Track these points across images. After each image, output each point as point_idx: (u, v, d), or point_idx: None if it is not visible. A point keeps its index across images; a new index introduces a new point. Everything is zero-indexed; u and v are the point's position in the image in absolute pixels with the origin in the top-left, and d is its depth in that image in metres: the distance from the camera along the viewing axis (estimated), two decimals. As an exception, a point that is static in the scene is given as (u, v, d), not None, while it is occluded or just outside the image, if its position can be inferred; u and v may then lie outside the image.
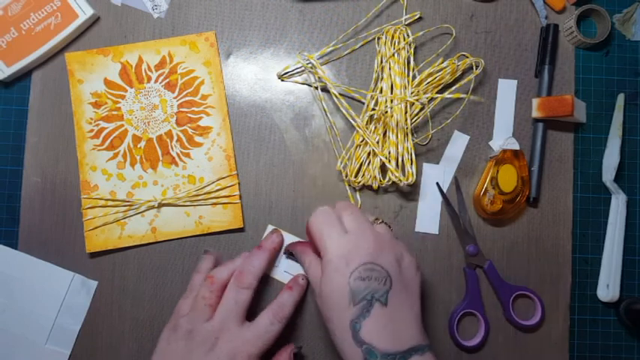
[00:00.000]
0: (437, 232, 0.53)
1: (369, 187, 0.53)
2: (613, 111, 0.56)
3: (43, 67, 0.53)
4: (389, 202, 0.53)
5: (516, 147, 0.52)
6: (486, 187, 0.52)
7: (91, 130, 0.52)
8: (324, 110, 0.54)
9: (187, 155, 0.53)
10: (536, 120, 0.54)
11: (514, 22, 0.56)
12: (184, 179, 0.52)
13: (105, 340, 0.51)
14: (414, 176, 0.50)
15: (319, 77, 0.53)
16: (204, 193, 0.52)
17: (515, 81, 0.55)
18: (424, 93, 0.52)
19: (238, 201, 0.52)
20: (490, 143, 0.54)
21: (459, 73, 0.54)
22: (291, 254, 0.51)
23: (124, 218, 0.52)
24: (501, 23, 0.56)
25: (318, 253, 0.46)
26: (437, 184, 0.54)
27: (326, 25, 0.55)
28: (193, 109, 0.53)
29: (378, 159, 0.51)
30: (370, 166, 0.52)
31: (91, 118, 0.53)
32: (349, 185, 0.53)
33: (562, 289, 0.53)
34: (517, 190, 0.52)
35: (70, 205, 0.52)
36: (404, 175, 0.51)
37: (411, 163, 0.51)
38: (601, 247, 0.54)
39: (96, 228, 0.51)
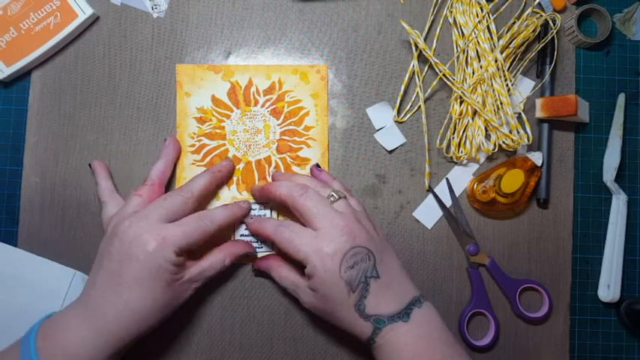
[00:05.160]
0: (436, 232, 0.53)
1: (472, 160, 0.54)
2: (614, 111, 0.55)
3: (43, 66, 0.53)
4: (389, 203, 0.53)
5: (538, 163, 0.52)
6: (488, 180, 0.51)
7: (192, 145, 0.52)
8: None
9: None
10: (541, 120, 0.54)
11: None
12: None
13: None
14: (531, 136, 0.52)
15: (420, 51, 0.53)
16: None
17: (532, 81, 0.55)
18: (510, 57, 0.54)
19: None
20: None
21: (538, 29, 0.53)
22: (259, 272, 0.52)
23: None
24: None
25: (285, 257, 0.48)
26: (446, 179, 0.54)
27: (326, 24, 0.55)
28: (295, 138, 0.53)
29: (479, 129, 0.52)
30: (474, 134, 0.52)
31: (194, 133, 0.52)
32: (452, 161, 0.54)
33: (562, 290, 0.53)
34: (514, 197, 0.51)
35: (69, 205, 0.52)
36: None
37: (522, 125, 0.52)
38: (602, 248, 0.54)
39: None
